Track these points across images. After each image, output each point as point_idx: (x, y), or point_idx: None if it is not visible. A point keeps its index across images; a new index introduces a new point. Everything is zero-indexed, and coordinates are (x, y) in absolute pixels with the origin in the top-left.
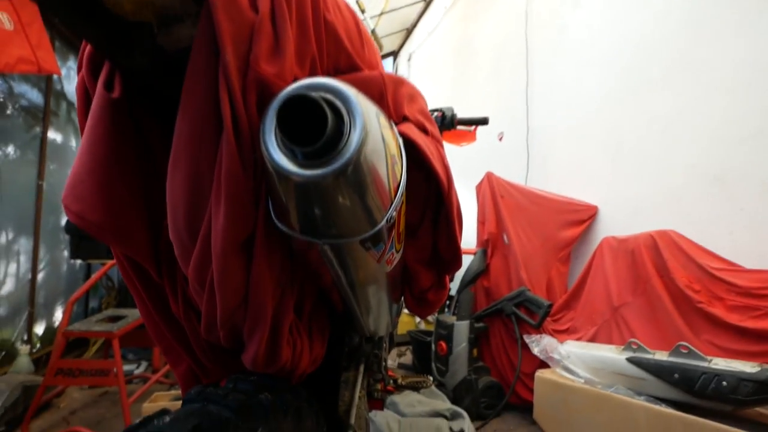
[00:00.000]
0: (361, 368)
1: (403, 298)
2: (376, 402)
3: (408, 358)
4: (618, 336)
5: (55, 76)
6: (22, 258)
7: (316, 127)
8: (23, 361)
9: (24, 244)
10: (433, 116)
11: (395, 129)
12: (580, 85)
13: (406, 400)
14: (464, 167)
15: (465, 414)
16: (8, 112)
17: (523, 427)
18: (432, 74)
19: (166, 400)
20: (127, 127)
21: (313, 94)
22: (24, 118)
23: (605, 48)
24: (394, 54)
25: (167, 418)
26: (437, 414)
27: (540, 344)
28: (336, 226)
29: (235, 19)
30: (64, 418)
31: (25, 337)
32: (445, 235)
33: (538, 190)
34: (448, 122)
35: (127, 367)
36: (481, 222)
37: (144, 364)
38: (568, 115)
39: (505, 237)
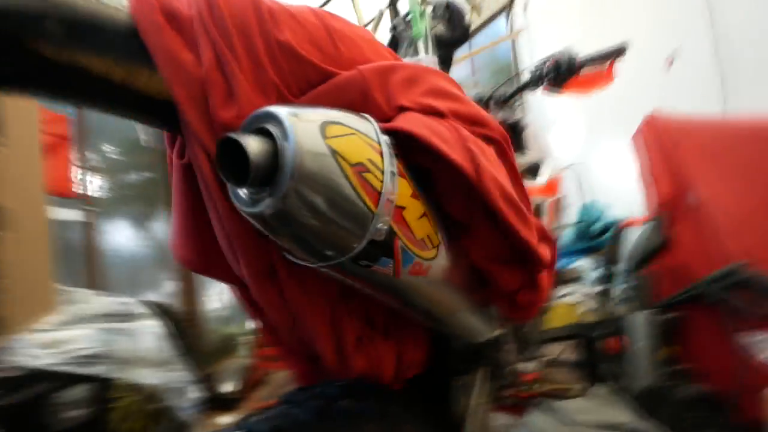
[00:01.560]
0: (480, 372)
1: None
2: (515, 408)
3: (571, 355)
4: None
5: None
6: None
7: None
8: (244, 349)
9: None
10: (543, 68)
11: (373, 128)
12: None
13: (569, 406)
14: (618, 112)
15: None
16: None
17: None
18: (554, 13)
19: None
20: (195, 184)
21: (234, 134)
22: None
23: None
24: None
25: (255, 418)
26: (612, 427)
27: None
28: (317, 251)
29: (185, 82)
30: (274, 392)
31: (243, 331)
32: (502, 227)
33: (753, 119)
34: (565, 70)
35: None
36: (647, 183)
37: None
38: None
39: (692, 197)
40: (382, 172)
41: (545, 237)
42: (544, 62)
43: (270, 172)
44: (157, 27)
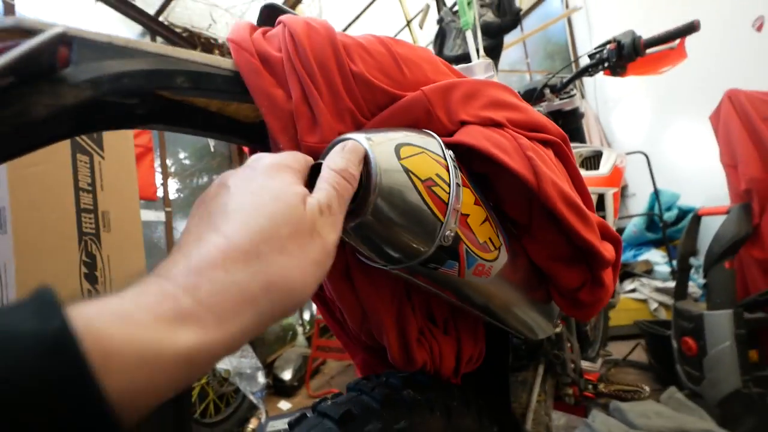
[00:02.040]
0: (540, 369)
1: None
2: (577, 409)
3: (640, 354)
4: None
5: None
6: None
7: None
8: (301, 340)
9: None
10: (604, 51)
11: (438, 144)
12: None
13: (638, 408)
14: (690, 91)
15: None
16: None
17: None
18: None
19: None
20: None
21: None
22: None
23: None
24: None
25: (330, 402)
26: None
27: None
28: (392, 255)
29: (278, 114)
30: (327, 381)
31: (300, 322)
32: (562, 228)
33: None
34: (628, 52)
35: None
36: (730, 165)
37: None
38: None
39: None
40: (449, 185)
41: (607, 234)
42: (605, 45)
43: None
44: (255, 70)
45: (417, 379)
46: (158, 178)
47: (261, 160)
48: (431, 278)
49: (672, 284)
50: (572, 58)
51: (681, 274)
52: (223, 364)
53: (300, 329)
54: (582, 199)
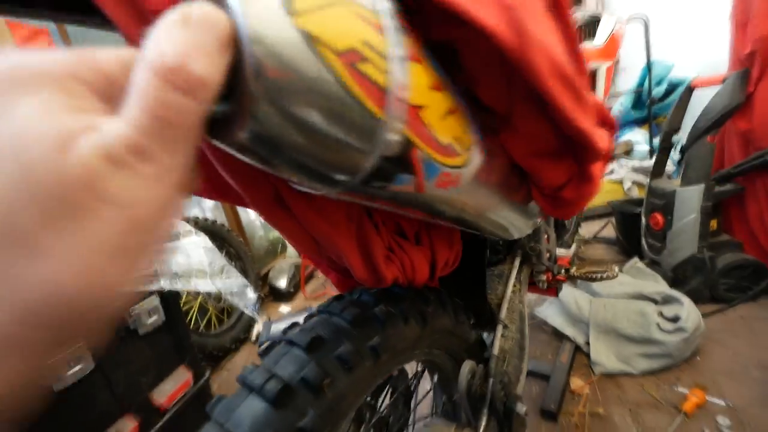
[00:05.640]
0: (517, 261)
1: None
2: (549, 290)
3: (609, 231)
4: None
5: None
6: None
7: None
8: (291, 250)
9: None
10: None
11: None
12: None
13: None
14: None
15: (685, 299)
16: None
17: None
18: None
19: None
20: None
21: None
22: None
23: None
24: None
25: (296, 330)
26: (642, 297)
27: None
28: (315, 177)
29: None
30: (322, 284)
31: None
32: (552, 114)
33: None
34: None
35: None
36: (741, 23)
37: None
38: None
39: None
40: (386, 59)
41: (604, 118)
42: None
43: (226, 83)
44: None
45: (391, 291)
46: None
47: None
48: (383, 198)
49: (648, 163)
50: None
51: (662, 152)
52: (211, 287)
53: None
54: (577, 73)
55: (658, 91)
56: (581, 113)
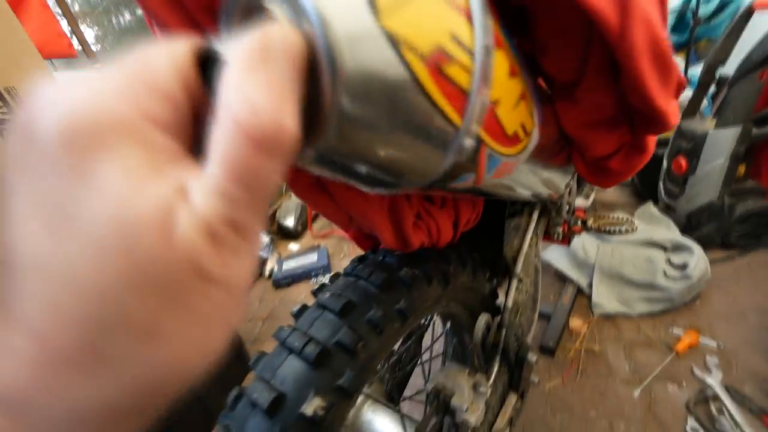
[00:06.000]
0: (535, 214)
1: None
2: (563, 240)
3: None
4: None
5: None
6: None
7: None
8: None
9: None
10: None
11: None
12: None
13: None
14: None
15: (696, 248)
16: None
17: None
18: None
19: None
20: None
21: (214, 43)
22: None
23: None
24: None
25: (327, 295)
26: (652, 244)
27: None
28: (378, 184)
29: None
30: (328, 223)
31: None
32: (628, 84)
33: None
34: None
35: None
36: None
37: None
38: None
39: None
40: (472, 55)
41: (679, 83)
42: None
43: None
44: None
45: (414, 253)
46: (64, 26)
47: (46, 121)
48: (436, 190)
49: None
50: None
51: (700, 87)
52: None
53: None
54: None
55: (707, 8)
56: (664, 91)
